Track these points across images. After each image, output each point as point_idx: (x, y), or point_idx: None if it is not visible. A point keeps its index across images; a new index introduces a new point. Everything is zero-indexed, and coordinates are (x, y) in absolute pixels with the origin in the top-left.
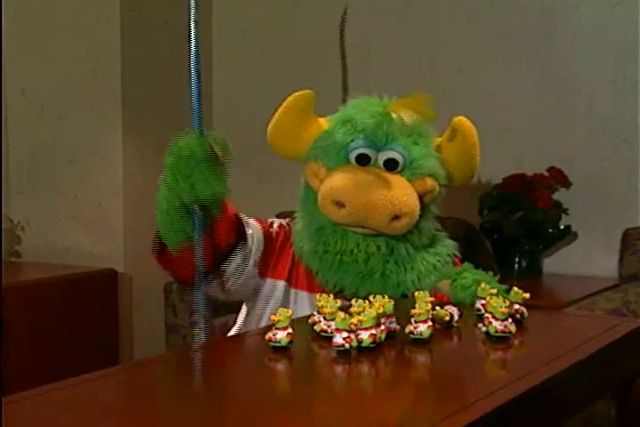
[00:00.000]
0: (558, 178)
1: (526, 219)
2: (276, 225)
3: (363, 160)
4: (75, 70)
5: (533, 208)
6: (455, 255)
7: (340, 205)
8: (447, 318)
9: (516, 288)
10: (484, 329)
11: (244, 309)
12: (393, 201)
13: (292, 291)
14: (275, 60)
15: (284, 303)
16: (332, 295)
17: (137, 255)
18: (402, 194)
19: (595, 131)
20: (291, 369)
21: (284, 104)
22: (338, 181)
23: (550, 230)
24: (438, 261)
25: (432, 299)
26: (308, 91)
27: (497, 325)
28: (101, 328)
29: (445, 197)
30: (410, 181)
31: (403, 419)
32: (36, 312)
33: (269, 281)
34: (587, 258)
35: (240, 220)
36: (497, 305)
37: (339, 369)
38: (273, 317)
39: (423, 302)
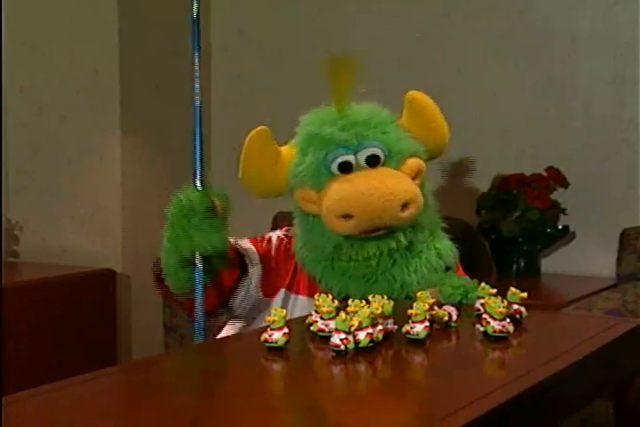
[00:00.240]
0: (556, 178)
1: (524, 219)
2: (274, 240)
3: (345, 167)
4: (73, 70)
5: (531, 208)
6: (455, 258)
7: (347, 217)
8: (446, 318)
9: (513, 288)
10: (481, 329)
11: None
12: (394, 193)
13: (292, 296)
14: (273, 60)
15: (283, 308)
16: (330, 296)
17: (135, 255)
18: (398, 183)
19: (593, 131)
20: (287, 369)
21: (245, 147)
22: (335, 196)
23: (548, 230)
24: (439, 263)
25: (433, 300)
26: (261, 127)
27: (495, 325)
28: (99, 328)
29: (443, 198)
30: (396, 168)
31: (400, 419)
32: (34, 312)
33: (272, 298)
34: (585, 258)
35: (238, 252)
36: (495, 305)
37: (336, 370)
38: (268, 317)
39: (421, 303)
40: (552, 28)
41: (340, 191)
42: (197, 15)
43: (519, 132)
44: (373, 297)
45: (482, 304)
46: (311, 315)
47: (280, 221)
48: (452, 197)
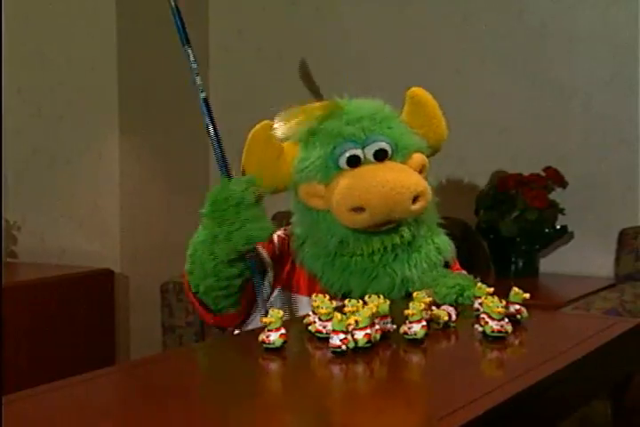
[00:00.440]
0: (554, 178)
1: (522, 219)
2: (275, 239)
3: (354, 161)
4: (71, 70)
5: (530, 208)
6: (452, 253)
7: (358, 210)
8: (445, 318)
9: (516, 288)
10: (480, 329)
11: None
12: (406, 186)
13: (292, 296)
14: (271, 60)
15: (282, 309)
16: (327, 297)
17: (133, 255)
18: (407, 176)
19: (591, 131)
20: (285, 370)
21: (248, 141)
22: (346, 189)
23: (546, 230)
24: (438, 258)
25: (430, 299)
26: (265, 122)
27: (493, 324)
28: (98, 328)
29: (442, 198)
30: (403, 162)
31: (399, 419)
32: (32, 312)
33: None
34: (583, 258)
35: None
36: (493, 305)
37: (334, 370)
38: (264, 318)
39: (417, 303)
40: (550, 28)
41: (351, 184)
42: (177, 8)
43: (517, 133)
44: (370, 297)
45: (480, 304)
46: (309, 315)
47: (278, 221)
48: (451, 196)
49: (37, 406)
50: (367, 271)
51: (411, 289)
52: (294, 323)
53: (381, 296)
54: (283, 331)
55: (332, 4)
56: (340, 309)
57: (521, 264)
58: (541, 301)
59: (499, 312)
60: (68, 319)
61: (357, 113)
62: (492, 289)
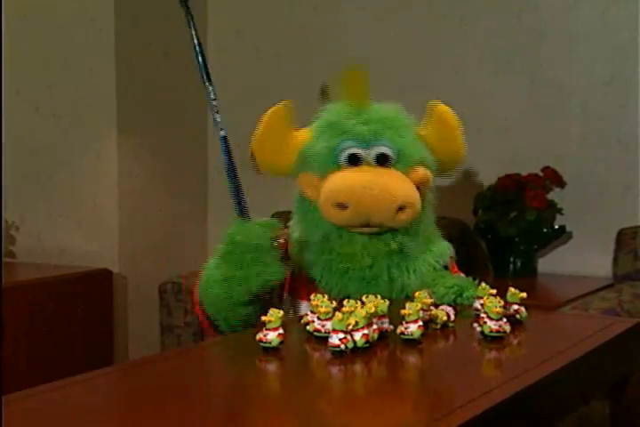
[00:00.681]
0: (553, 178)
1: (521, 219)
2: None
3: (354, 160)
4: (69, 70)
5: (528, 208)
6: (451, 256)
7: (342, 206)
8: (445, 318)
9: (512, 289)
10: (478, 329)
11: None
12: (394, 193)
13: (297, 302)
14: (269, 60)
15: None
16: (326, 296)
17: (132, 255)
18: (401, 186)
19: (590, 131)
20: (282, 370)
21: (262, 122)
22: (336, 184)
23: (545, 230)
24: (437, 261)
25: (431, 300)
26: (283, 104)
27: (491, 324)
28: (96, 328)
29: (440, 197)
30: (403, 172)
31: (398, 419)
32: (30, 312)
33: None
34: (581, 258)
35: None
36: (492, 305)
37: (332, 370)
38: (264, 317)
39: (414, 303)
40: (549, 28)
41: (342, 181)
42: (201, 50)
43: (516, 133)
44: (367, 297)
45: (481, 304)
46: (307, 315)
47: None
48: (449, 197)
49: (36, 406)
50: (366, 278)
51: (410, 294)
52: (292, 323)
53: (379, 296)
54: (281, 331)
55: (331, 4)
56: (337, 309)
57: (519, 264)
58: (540, 301)
59: (497, 312)
60: (67, 319)
61: (372, 115)
62: (494, 290)
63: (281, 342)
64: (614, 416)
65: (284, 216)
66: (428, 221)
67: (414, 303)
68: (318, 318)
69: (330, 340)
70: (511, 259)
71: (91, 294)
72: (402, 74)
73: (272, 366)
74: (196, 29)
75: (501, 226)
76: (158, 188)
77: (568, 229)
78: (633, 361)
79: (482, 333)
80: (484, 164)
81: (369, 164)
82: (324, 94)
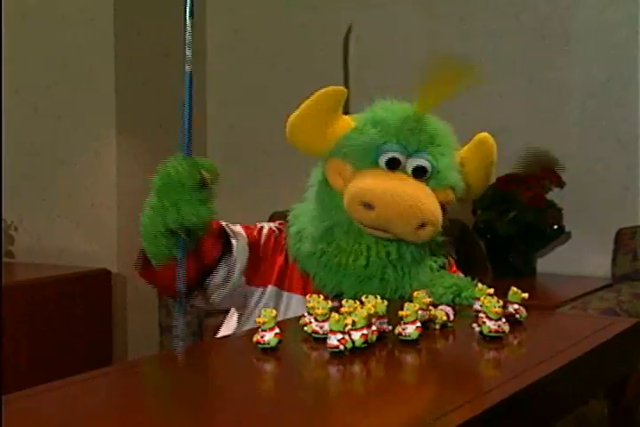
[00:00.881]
0: (552, 178)
1: (520, 219)
2: (265, 230)
3: (393, 164)
4: (68, 70)
5: (527, 208)
6: (450, 256)
7: (369, 206)
8: (445, 319)
9: (514, 288)
10: (477, 329)
11: (233, 312)
12: (422, 209)
13: (285, 294)
14: (268, 60)
15: (275, 308)
16: (322, 297)
17: (131, 255)
18: (430, 202)
19: (588, 131)
20: (280, 371)
21: (314, 97)
22: (369, 183)
23: (544, 230)
24: (435, 261)
25: (430, 300)
26: (341, 87)
27: (490, 325)
28: (95, 328)
29: None
30: (433, 190)
31: (396, 419)
32: (29, 312)
33: (257, 288)
34: (580, 258)
35: (224, 231)
36: (490, 305)
37: (330, 371)
38: (258, 319)
39: (411, 304)
40: (547, 28)
41: (376, 181)
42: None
43: (515, 133)
44: (367, 297)
45: (481, 305)
46: (304, 316)
47: (276, 220)
48: None
49: (36, 406)
50: (361, 275)
51: (404, 294)
52: (289, 323)
53: (378, 297)
54: (277, 330)
55: (329, 4)
56: (336, 309)
57: (518, 264)
58: (539, 301)
59: (496, 312)
60: (66, 319)
61: (426, 126)
62: (492, 290)
63: (279, 342)
64: (613, 416)
65: (282, 217)
66: (436, 240)
67: (412, 304)
68: (316, 320)
69: (328, 341)
70: (510, 259)
71: (90, 294)
72: (401, 74)
73: (271, 367)
74: None
75: (500, 226)
76: None
77: (567, 229)
78: (632, 361)
79: (481, 333)
80: None
81: (405, 172)
82: (348, 37)
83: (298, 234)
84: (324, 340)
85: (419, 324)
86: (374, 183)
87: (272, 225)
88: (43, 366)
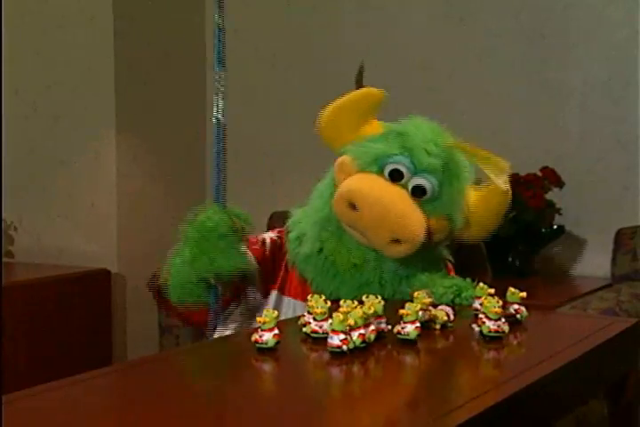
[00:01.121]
0: (551, 178)
1: (519, 219)
2: (267, 240)
3: (395, 176)
4: (68, 70)
5: (526, 208)
6: (448, 260)
7: (353, 207)
8: (445, 318)
9: (512, 288)
10: (477, 329)
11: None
12: (401, 225)
13: (285, 299)
14: (268, 60)
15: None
16: (322, 297)
17: (130, 255)
18: (414, 222)
19: (588, 131)
20: (280, 370)
21: (355, 94)
22: (361, 184)
23: (543, 230)
24: (431, 265)
25: (430, 300)
26: (380, 91)
27: (490, 325)
28: (95, 329)
29: None
30: (427, 214)
31: (395, 419)
32: (29, 313)
33: (264, 294)
34: (580, 258)
35: None
36: (490, 305)
37: (328, 371)
38: (259, 318)
39: (412, 303)
40: (547, 28)
41: (369, 184)
42: (222, 27)
43: (514, 133)
44: (367, 297)
45: (480, 304)
46: (304, 316)
47: (276, 221)
48: None
49: (34, 406)
50: (357, 281)
51: (403, 298)
52: (288, 324)
53: (379, 296)
54: (276, 331)
55: (329, 4)
56: (335, 309)
57: (518, 264)
58: (538, 301)
59: (496, 312)
60: (65, 319)
61: (443, 152)
62: (492, 290)
63: (277, 343)
64: (612, 416)
65: (282, 216)
66: (423, 261)
67: (413, 304)
68: (315, 319)
69: (330, 340)
70: (510, 259)
71: (89, 294)
72: (400, 74)
73: (270, 367)
74: (223, 12)
75: (500, 226)
76: (157, 188)
77: (566, 229)
78: (631, 361)
79: (480, 333)
80: None
81: (405, 187)
82: (360, 76)
83: (297, 239)
84: (322, 340)
85: (418, 324)
86: (366, 186)
87: (272, 235)
88: (42, 366)
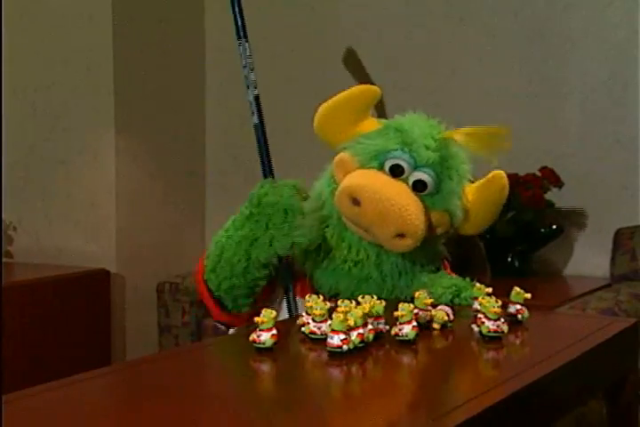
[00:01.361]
0: (550, 178)
1: (518, 219)
2: None
3: (396, 171)
4: (67, 70)
5: (526, 208)
6: (445, 258)
7: (355, 202)
8: (446, 318)
9: (517, 288)
10: (476, 329)
11: None
12: (405, 218)
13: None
14: (266, 61)
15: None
16: (321, 297)
17: (129, 255)
18: (417, 215)
19: (587, 131)
20: (278, 370)
21: (350, 91)
22: (363, 179)
23: (542, 230)
24: (430, 262)
25: (431, 300)
26: (377, 88)
27: (489, 325)
28: (93, 329)
29: None
30: (428, 208)
31: (395, 419)
32: (28, 313)
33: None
34: (579, 258)
35: None
36: (489, 305)
37: (327, 371)
38: (257, 318)
39: (406, 304)
40: (547, 28)
41: (371, 180)
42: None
43: (513, 133)
44: (363, 297)
45: (480, 304)
46: (302, 316)
47: None
48: None
49: (33, 406)
50: (357, 275)
51: (400, 296)
52: (287, 324)
53: (375, 297)
54: (274, 331)
55: (328, 5)
56: (333, 309)
57: (517, 264)
58: (537, 301)
59: (495, 312)
60: (64, 320)
61: (442, 146)
62: (490, 289)
63: (275, 343)
64: (611, 416)
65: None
66: (421, 256)
67: (407, 304)
68: (314, 320)
69: (330, 340)
70: (509, 259)
71: (88, 295)
72: (400, 73)
73: (268, 367)
74: None
75: (499, 226)
76: (156, 188)
77: (566, 229)
78: (630, 361)
79: (480, 333)
80: (481, 163)
81: (406, 182)
82: (349, 59)
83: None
84: (321, 340)
85: (415, 324)
86: (369, 181)
87: None
88: (41, 366)
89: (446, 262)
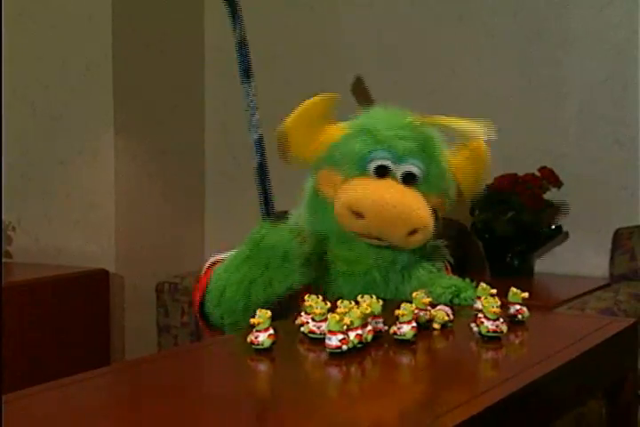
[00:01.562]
0: (549, 178)
1: (518, 219)
2: None
3: (382, 172)
4: (66, 70)
5: (525, 208)
6: (446, 259)
7: (359, 215)
8: (446, 318)
9: (514, 289)
10: (475, 329)
11: None
12: (412, 216)
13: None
14: (267, 60)
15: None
16: (320, 297)
17: (128, 255)
18: (420, 208)
19: (586, 131)
20: (278, 371)
21: (304, 105)
22: (359, 192)
23: (542, 230)
24: (433, 265)
25: (429, 299)
26: (331, 94)
27: (488, 325)
28: (93, 329)
29: None
30: (424, 195)
31: (394, 419)
32: (27, 313)
33: None
34: (578, 258)
35: None
36: (489, 305)
37: (326, 371)
38: (252, 319)
39: (408, 304)
40: (545, 28)
41: (365, 190)
42: (243, 40)
43: (512, 133)
44: (362, 297)
45: (482, 304)
46: (301, 315)
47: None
48: None
49: (32, 406)
50: (360, 280)
51: (403, 297)
52: (285, 324)
53: (374, 296)
54: (271, 331)
55: (328, 5)
56: (332, 309)
57: (516, 264)
58: (536, 301)
59: (494, 312)
60: (63, 320)
61: (412, 132)
62: (494, 290)
63: (273, 343)
64: (611, 416)
65: (282, 216)
66: (430, 244)
67: (409, 304)
68: (313, 320)
69: (328, 341)
70: (508, 259)
71: (87, 295)
72: (399, 73)
73: (267, 367)
74: (241, 25)
75: (498, 226)
76: (155, 188)
77: (565, 229)
78: (629, 361)
79: (479, 333)
80: None
81: (395, 179)
82: (358, 87)
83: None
84: (320, 340)
85: (414, 324)
86: (363, 192)
87: None
88: (40, 366)
89: (448, 265)
